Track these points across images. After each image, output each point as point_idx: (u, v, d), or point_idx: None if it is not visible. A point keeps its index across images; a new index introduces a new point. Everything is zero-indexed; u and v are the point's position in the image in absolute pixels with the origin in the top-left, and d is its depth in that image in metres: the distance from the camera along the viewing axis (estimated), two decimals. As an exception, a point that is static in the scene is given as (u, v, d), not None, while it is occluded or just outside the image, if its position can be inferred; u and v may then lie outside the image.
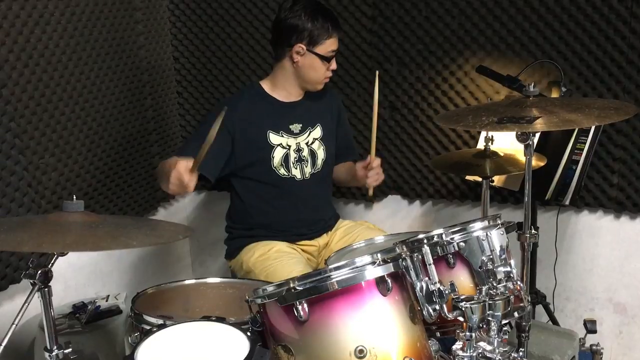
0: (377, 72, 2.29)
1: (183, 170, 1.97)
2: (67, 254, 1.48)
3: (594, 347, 2.40)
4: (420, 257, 1.55)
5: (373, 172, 2.34)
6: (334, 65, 2.33)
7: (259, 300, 1.46)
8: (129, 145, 2.73)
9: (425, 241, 1.64)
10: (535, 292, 2.62)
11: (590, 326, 2.44)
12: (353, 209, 3.06)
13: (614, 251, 2.73)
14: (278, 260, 2.32)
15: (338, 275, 1.39)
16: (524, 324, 1.94)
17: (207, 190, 3.20)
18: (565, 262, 2.79)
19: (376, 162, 2.34)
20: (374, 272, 1.41)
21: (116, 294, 2.43)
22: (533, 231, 1.92)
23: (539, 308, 2.66)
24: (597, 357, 2.40)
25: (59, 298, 2.41)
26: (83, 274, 2.59)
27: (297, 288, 1.39)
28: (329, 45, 2.27)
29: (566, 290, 2.83)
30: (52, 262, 1.47)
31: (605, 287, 2.78)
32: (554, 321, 2.64)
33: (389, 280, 1.42)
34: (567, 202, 2.46)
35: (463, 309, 1.47)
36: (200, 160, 1.91)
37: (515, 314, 1.69)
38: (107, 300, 2.36)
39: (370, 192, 2.41)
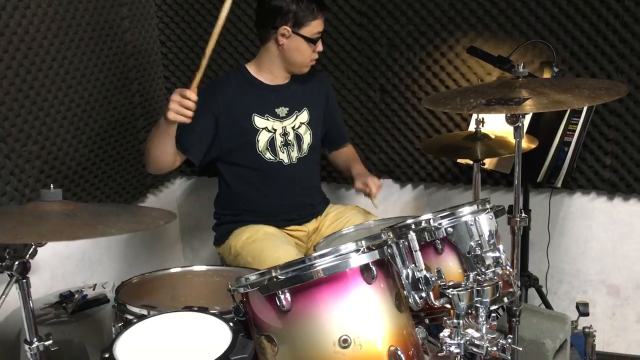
0: None
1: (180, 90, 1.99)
2: (45, 244, 1.45)
3: (586, 330, 2.39)
4: (406, 243, 1.52)
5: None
6: (320, 47, 2.28)
7: (241, 290, 1.43)
8: (116, 131, 2.69)
9: (412, 227, 1.61)
10: (527, 276, 2.61)
11: (583, 309, 2.43)
12: (344, 193, 3.03)
13: (607, 233, 2.71)
14: (265, 241, 2.29)
15: (321, 264, 1.36)
16: (514, 308, 1.92)
17: (197, 177, 3.17)
18: (558, 245, 2.77)
19: (375, 188, 2.34)
20: (358, 260, 1.38)
21: (103, 282, 2.40)
22: (523, 215, 1.89)
23: (532, 291, 2.65)
24: (590, 340, 2.40)
25: (46, 287, 2.38)
26: (71, 263, 2.56)
27: (279, 277, 1.35)
28: (314, 27, 2.23)
29: (559, 272, 2.81)
30: (29, 252, 1.43)
31: (598, 269, 2.76)
32: (547, 304, 2.62)
33: (374, 268, 1.39)
34: (559, 185, 2.44)
35: (450, 296, 1.45)
36: (201, 74, 1.95)
37: (505, 300, 1.68)
38: (94, 289, 2.33)
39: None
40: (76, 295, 2.27)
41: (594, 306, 2.74)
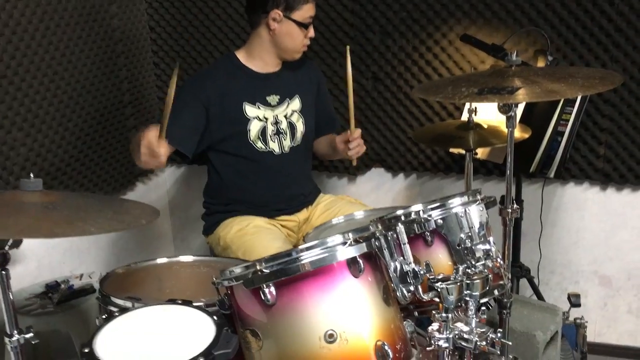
0: (347, 47, 2.18)
1: (152, 137, 1.93)
2: (22, 238, 1.42)
3: (578, 321, 2.39)
4: (395, 236, 1.48)
5: (354, 144, 2.26)
6: (311, 32, 2.24)
7: (225, 283, 1.40)
8: (104, 118, 2.64)
9: (402, 219, 1.58)
10: (519, 266, 2.59)
11: (574, 300, 2.42)
12: (336, 182, 3.00)
13: (599, 223, 2.69)
14: (256, 235, 2.26)
15: (307, 257, 1.32)
16: (505, 300, 1.91)
17: (187, 165, 3.13)
18: (550, 235, 2.75)
19: (356, 133, 2.26)
20: (345, 253, 1.35)
21: (90, 272, 2.37)
22: (515, 206, 1.87)
23: (523, 282, 2.63)
24: (581, 331, 2.39)
25: (32, 277, 2.35)
26: (58, 252, 2.52)
27: (264, 270, 1.32)
28: (306, 11, 2.19)
29: (551, 263, 2.79)
30: (8, 244, 1.40)
31: (590, 259, 2.75)
32: (538, 295, 2.61)
33: (361, 261, 1.36)
34: (552, 175, 2.41)
35: (439, 289, 1.42)
36: (164, 126, 1.89)
37: (495, 292, 1.65)
38: (81, 279, 2.30)
39: (354, 162, 2.34)
40: (62, 285, 2.24)
41: (586, 297, 2.73)
